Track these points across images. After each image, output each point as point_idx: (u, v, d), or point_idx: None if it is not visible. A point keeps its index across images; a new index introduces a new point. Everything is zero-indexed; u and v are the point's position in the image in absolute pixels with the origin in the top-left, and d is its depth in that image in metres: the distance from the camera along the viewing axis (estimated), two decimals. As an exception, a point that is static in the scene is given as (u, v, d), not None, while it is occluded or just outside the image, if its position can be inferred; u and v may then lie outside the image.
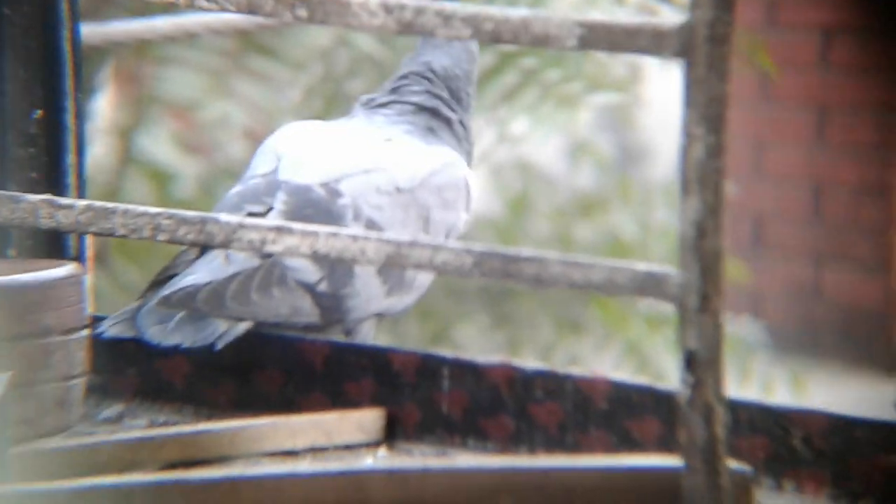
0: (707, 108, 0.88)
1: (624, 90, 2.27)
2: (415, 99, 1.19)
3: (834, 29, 3.13)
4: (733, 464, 0.91)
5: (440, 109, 1.19)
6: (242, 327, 1.10)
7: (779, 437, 1.02)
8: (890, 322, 3.17)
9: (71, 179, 1.15)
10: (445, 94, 1.19)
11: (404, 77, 1.20)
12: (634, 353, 2.34)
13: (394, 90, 1.20)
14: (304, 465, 0.98)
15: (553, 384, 1.07)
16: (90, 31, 1.42)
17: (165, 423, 1.10)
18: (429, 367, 1.10)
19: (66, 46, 1.12)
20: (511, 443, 1.08)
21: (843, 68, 3.14)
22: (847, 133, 3.18)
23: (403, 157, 1.17)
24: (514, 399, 1.08)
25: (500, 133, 2.37)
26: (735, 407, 0.99)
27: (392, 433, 1.10)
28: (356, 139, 1.17)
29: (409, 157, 1.17)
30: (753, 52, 2.17)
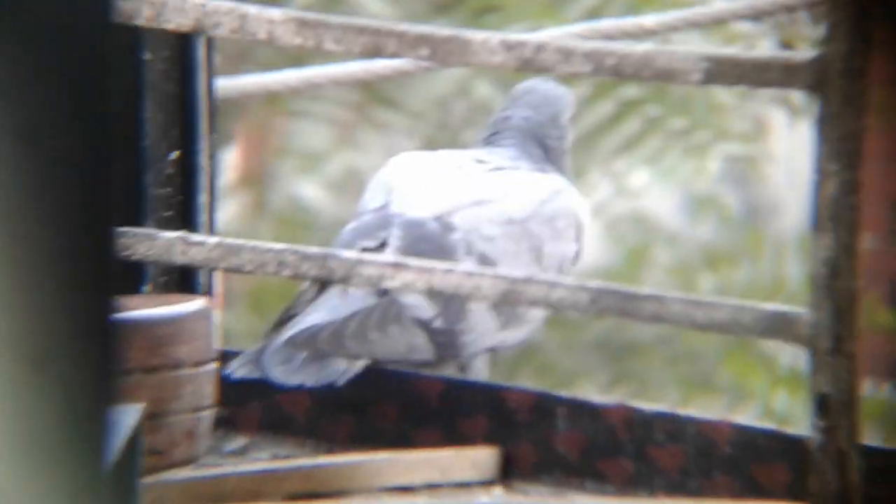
0: (841, 144, 0.86)
1: (749, 142, 2.23)
2: (510, 140, 1.20)
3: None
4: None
5: (532, 148, 1.20)
6: (361, 365, 1.12)
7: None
8: None
9: (203, 218, 1.20)
10: (531, 140, 1.20)
11: (493, 133, 1.21)
12: (770, 414, 2.25)
13: (487, 140, 1.21)
14: (420, 501, 0.98)
15: (673, 427, 1.05)
16: (224, 83, 1.49)
17: (288, 457, 1.12)
18: (544, 405, 1.09)
19: (202, 90, 1.18)
20: (630, 486, 1.06)
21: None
22: None
23: (513, 187, 1.18)
24: (632, 441, 1.06)
25: (619, 185, 2.35)
26: (870, 454, 0.94)
27: (507, 472, 1.09)
28: (465, 169, 1.18)
29: (519, 187, 1.18)
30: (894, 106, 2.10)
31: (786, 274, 2.40)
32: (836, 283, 0.86)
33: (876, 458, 0.96)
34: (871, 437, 0.86)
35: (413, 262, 0.98)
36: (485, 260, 1.14)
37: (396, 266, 0.98)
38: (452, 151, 1.22)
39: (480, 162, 1.20)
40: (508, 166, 1.19)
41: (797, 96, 2.25)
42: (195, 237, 1.04)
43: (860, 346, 0.86)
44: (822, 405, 0.86)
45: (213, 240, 1.04)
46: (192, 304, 1.11)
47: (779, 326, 0.88)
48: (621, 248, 2.51)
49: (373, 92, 2.18)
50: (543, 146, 1.21)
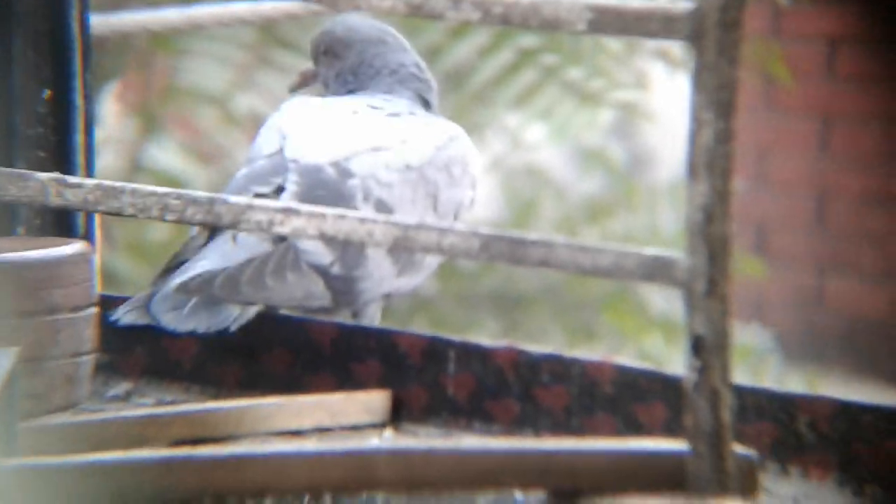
0: (716, 93, 0.88)
1: (636, 93, 2.27)
2: (405, 87, 1.19)
3: (839, 39, 3.14)
4: (739, 449, 0.91)
5: (427, 96, 1.20)
6: (254, 311, 1.10)
7: (784, 423, 1.02)
8: (894, 331, 3.16)
9: (80, 159, 1.15)
10: (413, 85, 1.19)
11: (372, 77, 1.19)
12: (647, 361, 2.33)
13: (376, 74, 1.19)
14: (310, 445, 0.98)
15: (559, 368, 1.07)
16: (101, 20, 1.43)
17: (173, 402, 1.11)
18: (435, 349, 1.10)
19: (75, 27, 1.13)
20: (516, 426, 1.08)
21: (848, 78, 3.16)
22: (852, 142, 3.19)
23: (410, 133, 1.17)
24: (519, 382, 1.08)
25: (513, 140, 2.37)
26: (741, 393, 0.99)
27: (398, 415, 1.10)
28: (361, 115, 1.17)
29: (416, 132, 1.17)
30: (767, 59, 2.17)
31: (660, 223, 2.47)
32: (711, 229, 0.88)
33: (745, 397, 1.01)
34: (735, 377, 0.90)
35: (304, 207, 0.97)
36: (382, 206, 1.13)
37: (286, 211, 0.97)
38: (345, 97, 1.19)
39: (375, 108, 1.18)
40: (403, 112, 1.18)
41: (676, 50, 2.31)
42: (71, 179, 1.00)
43: (732, 288, 0.89)
44: (697, 346, 0.89)
45: (90, 182, 1.00)
46: (68, 248, 1.07)
47: (658, 270, 0.90)
48: (512, 201, 2.55)
49: (270, 33, 2.12)
50: (423, 91, 1.20)
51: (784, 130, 3.28)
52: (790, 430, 1.02)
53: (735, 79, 0.88)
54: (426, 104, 1.21)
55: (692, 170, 0.89)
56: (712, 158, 0.89)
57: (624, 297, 2.45)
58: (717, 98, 0.88)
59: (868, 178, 3.14)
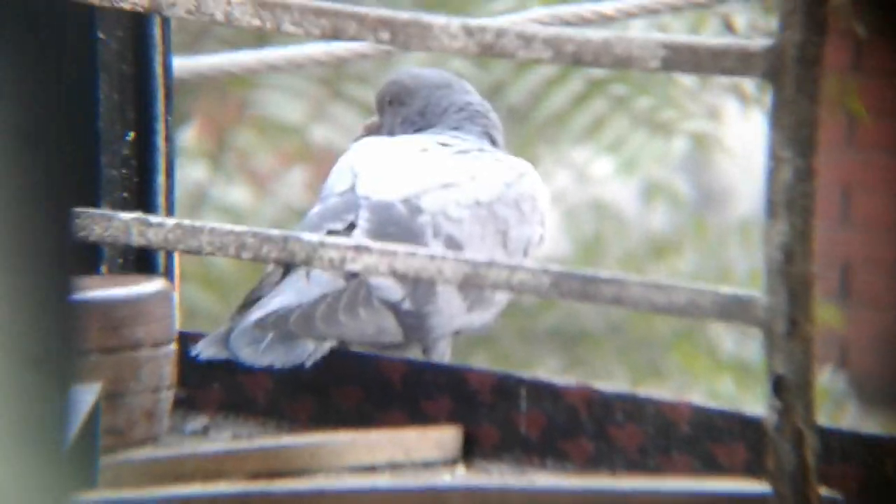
0: (796, 131, 0.87)
1: (709, 125, 2.25)
2: (466, 124, 1.20)
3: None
4: (824, 492, 0.89)
5: (493, 134, 1.21)
6: (328, 346, 1.11)
7: (871, 466, 0.99)
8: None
9: (160, 199, 1.18)
10: (480, 124, 1.21)
11: (440, 119, 1.21)
12: (715, 399, 2.29)
13: (447, 117, 1.21)
14: (384, 480, 0.99)
15: (633, 407, 1.06)
16: (181, 63, 1.47)
17: (249, 437, 1.12)
18: (506, 387, 1.10)
19: (159, 70, 1.17)
20: (590, 465, 1.07)
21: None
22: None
23: (479, 169, 1.18)
24: (592, 421, 1.07)
25: (579, 174, 2.36)
26: (826, 434, 0.96)
27: (470, 452, 1.10)
28: (430, 153, 1.18)
29: (485, 169, 1.18)
30: (844, 95, 2.14)
31: (730, 262, 2.43)
32: (791, 268, 0.87)
33: (829, 439, 0.98)
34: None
35: (375, 244, 0.98)
36: (452, 243, 1.14)
37: (358, 249, 0.98)
38: (415, 136, 1.21)
39: (444, 145, 1.19)
40: (472, 149, 1.20)
41: (749, 85, 2.28)
42: (153, 218, 1.03)
43: (814, 328, 0.87)
44: (779, 386, 0.87)
45: (171, 221, 1.02)
46: (150, 285, 1.10)
47: (735, 310, 0.89)
48: (577, 237, 2.53)
49: (343, 70, 2.15)
50: (490, 128, 1.21)
51: (867, 167, 3.22)
52: (877, 472, 0.99)
53: (815, 116, 0.87)
54: (493, 141, 1.22)
55: (771, 208, 0.88)
56: (792, 197, 0.88)
57: (692, 336, 2.42)
58: (796, 136, 0.87)
59: (950, 218, 3.05)
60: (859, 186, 3.11)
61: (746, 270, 2.46)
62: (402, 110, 1.22)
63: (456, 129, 1.20)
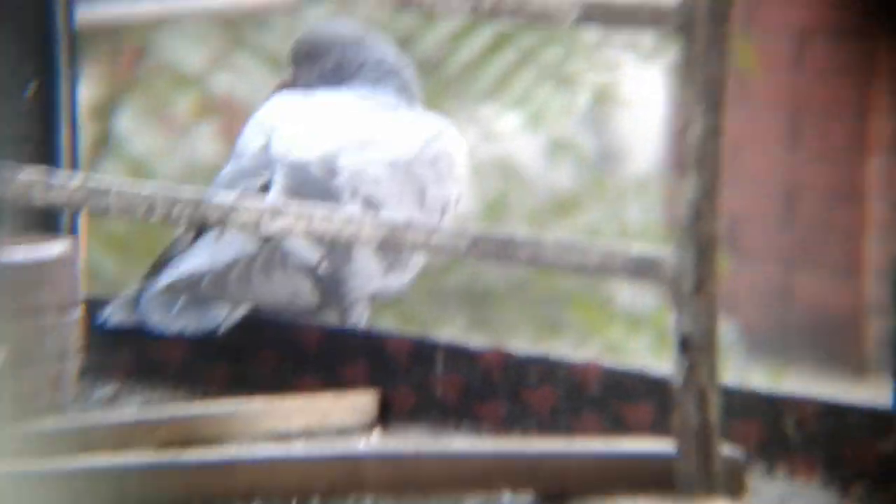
0: (706, 88, 0.88)
1: (611, 78, 2.27)
2: (389, 80, 1.17)
3: (809, 31, 3.17)
4: (726, 448, 0.91)
5: (410, 89, 1.18)
6: (242, 311, 1.09)
7: (771, 423, 1.03)
8: (859, 326, 3.21)
9: (64, 155, 1.13)
10: (395, 80, 1.18)
11: (356, 74, 1.17)
12: (614, 354, 2.34)
13: (351, 81, 1.17)
14: (299, 448, 0.98)
15: (545, 369, 1.07)
16: (84, 14, 1.40)
17: (160, 404, 1.09)
18: (422, 351, 1.10)
19: (61, 21, 1.11)
20: (504, 427, 1.08)
21: (817, 71, 3.18)
22: (821, 137, 3.22)
23: (397, 127, 1.15)
24: (507, 384, 1.08)
25: (486, 131, 2.35)
26: (728, 392, 0.99)
27: (386, 416, 1.09)
28: (347, 110, 1.15)
29: (403, 127, 1.16)
30: (737, 52, 2.18)
31: (628, 218, 2.48)
32: (699, 226, 0.88)
33: (732, 397, 1.01)
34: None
35: (291, 206, 0.96)
36: (370, 203, 1.12)
37: (274, 210, 0.96)
38: (329, 92, 1.18)
39: (360, 102, 1.17)
40: (388, 106, 1.17)
41: (647, 41, 2.30)
42: (57, 177, 0.98)
43: (718, 287, 0.89)
44: (685, 345, 0.89)
45: (76, 180, 0.98)
46: (54, 248, 1.05)
47: (645, 269, 0.90)
48: (481, 194, 2.54)
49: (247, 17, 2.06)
50: (406, 86, 1.18)
51: (754, 124, 3.31)
52: (777, 429, 1.03)
53: (725, 73, 0.88)
54: (409, 97, 1.19)
55: (680, 166, 0.89)
56: (702, 154, 0.88)
57: (590, 291, 2.46)
58: (706, 92, 0.88)
59: (837, 173, 3.17)
60: (747, 141, 3.21)
61: (643, 226, 2.52)
62: (316, 67, 1.18)
63: (372, 85, 1.17)
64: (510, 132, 2.43)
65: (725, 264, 2.42)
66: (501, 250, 0.93)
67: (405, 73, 1.19)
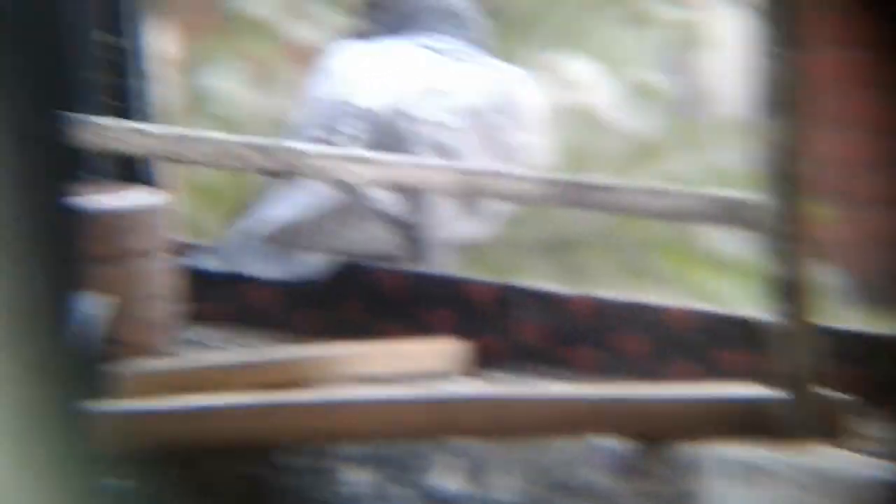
0: (790, 27, 0.85)
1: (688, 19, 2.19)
2: (458, 27, 1.16)
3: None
4: (823, 392, 0.89)
5: (479, 34, 1.17)
6: (329, 259, 1.10)
7: (872, 365, 1.00)
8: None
9: (136, 103, 1.14)
10: (465, 27, 1.17)
11: (424, 19, 1.17)
12: (701, 298, 2.30)
13: (421, 27, 1.17)
14: (388, 391, 0.98)
15: (634, 314, 1.06)
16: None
17: (250, 349, 1.11)
18: (508, 297, 1.09)
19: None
20: (594, 374, 1.07)
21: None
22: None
23: (469, 76, 1.15)
24: (595, 329, 1.07)
25: (562, 78, 2.31)
26: (835, 336, 0.96)
27: (474, 362, 1.09)
28: (418, 58, 1.15)
29: (475, 75, 1.15)
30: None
31: (718, 162, 2.41)
32: (786, 168, 0.86)
33: (839, 340, 0.98)
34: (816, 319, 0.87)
35: (372, 155, 0.96)
36: (444, 151, 1.12)
37: (355, 159, 0.96)
38: (401, 40, 1.17)
39: (431, 51, 1.16)
40: (459, 55, 1.16)
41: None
42: (146, 127, 1.00)
43: (811, 229, 0.86)
44: (778, 288, 0.87)
45: (163, 129, 0.99)
46: (145, 195, 1.07)
47: (731, 213, 0.88)
48: (563, 144, 2.50)
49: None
50: (475, 34, 1.18)
51: (858, 66, 3.15)
52: (878, 371, 0.99)
53: (808, 11, 0.85)
54: (480, 46, 1.18)
55: (768, 108, 0.86)
56: (787, 95, 0.86)
57: (676, 237, 2.41)
58: (790, 32, 0.85)
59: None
60: (850, 85, 3.07)
61: (734, 171, 2.45)
62: (386, 15, 1.18)
63: (441, 33, 1.16)
64: (589, 78, 2.38)
65: (832, 211, 2.34)
66: (580, 196, 0.92)
67: (474, 21, 1.18)
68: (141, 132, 0.99)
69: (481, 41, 1.18)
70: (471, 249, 1.18)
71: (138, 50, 1.14)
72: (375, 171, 0.95)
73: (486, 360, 1.09)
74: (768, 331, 0.88)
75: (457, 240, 1.15)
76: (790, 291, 0.88)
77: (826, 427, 0.89)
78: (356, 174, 0.95)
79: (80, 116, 1.01)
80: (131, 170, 1.14)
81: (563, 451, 0.94)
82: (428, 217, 1.12)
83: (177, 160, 0.99)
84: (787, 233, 0.87)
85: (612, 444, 0.94)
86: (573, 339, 1.07)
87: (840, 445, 0.89)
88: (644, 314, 1.06)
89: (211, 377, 1.02)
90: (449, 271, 1.13)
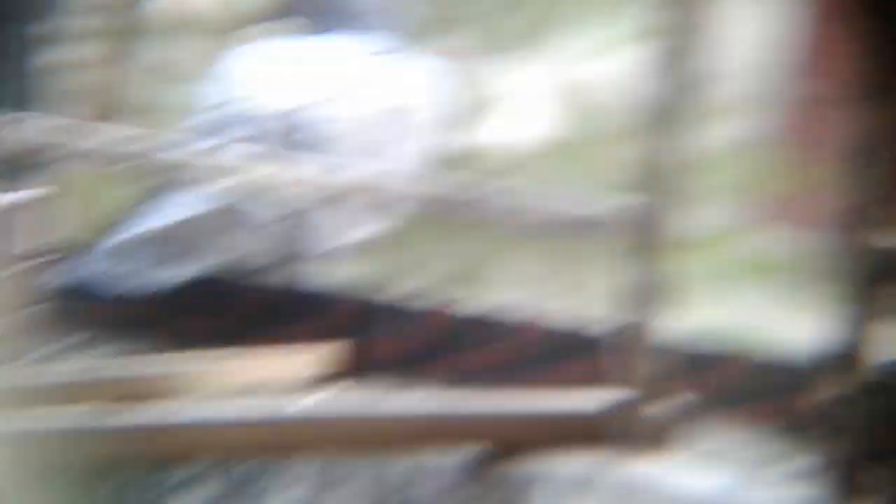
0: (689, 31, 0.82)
1: None
2: (381, 21, 1.16)
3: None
4: (659, 401, 0.88)
5: (402, 28, 1.16)
6: (197, 268, 1.11)
7: (705, 377, 0.99)
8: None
9: (18, 100, 1.08)
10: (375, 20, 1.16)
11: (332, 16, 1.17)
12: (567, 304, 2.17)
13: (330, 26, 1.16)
14: (236, 408, 0.99)
15: (489, 328, 1.06)
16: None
17: (113, 358, 1.10)
18: (368, 311, 1.10)
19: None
20: (449, 385, 1.08)
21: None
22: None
23: (374, 76, 1.14)
24: (447, 343, 1.07)
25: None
26: (664, 348, 0.96)
27: (333, 375, 1.10)
28: (316, 60, 1.14)
29: (380, 76, 1.14)
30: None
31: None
32: (652, 176, 0.83)
33: (668, 352, 0.97)
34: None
35: (251, 160, 0.96)
36: (336, 155, 1.11)
37: (238, 165, 0.96)
38: (300, 41, 1.17)
39: (332, 51, 1.15)
40: (372, 53, 1.15)
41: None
42: (13, 122, 0.97)
43: (662, 238, 0.83)
44: (625, 296, 0.86)
45: (34, 126, 0.97)
46: (12, 197, 1.03)
47: (589, 222, 0.85)
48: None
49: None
50: (401, 26, 1.17)
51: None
52: (710, 383, 0.98)
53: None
54: (403, 39, 1.17)
55: (651, 117, 0.83)
56: (668, 110, 0.83)
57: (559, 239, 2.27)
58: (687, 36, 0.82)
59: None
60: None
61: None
62: (302, 13, 1.18)
63: (369, 29, 1.16)
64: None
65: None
66: (450, 207, 0.92)
67: (399, 15, 1.17)
68: (12, 128, 0.97)
69: (406, 35, 1.17)
70: (368, 250, 1.17)
71: (23, 46, 1.10)
72: (255, 177, 0.95)
73: (346, 372, 1.10)
74: (611, 339, 0.88)
75: (350, 243, 1.14)
76: (636, 300, 0.88)
77: (657, 438, 0.89)
78: (236, 180, 0.95)
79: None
80: (8, 171, 1.09)
81: (403, 466, 0.95)
82: (307, 226, 1.11)
83: (51, 159, 0.97)
84: (641, 240, 0.87)
85: (450, 460, 0.95)
86: (430, 353, 1.08)
87: (670, 456, 0.89)
88: (497, 327, 1.06)
89: (62, 391, 1.01)
90: (312, 284, 1.14)
